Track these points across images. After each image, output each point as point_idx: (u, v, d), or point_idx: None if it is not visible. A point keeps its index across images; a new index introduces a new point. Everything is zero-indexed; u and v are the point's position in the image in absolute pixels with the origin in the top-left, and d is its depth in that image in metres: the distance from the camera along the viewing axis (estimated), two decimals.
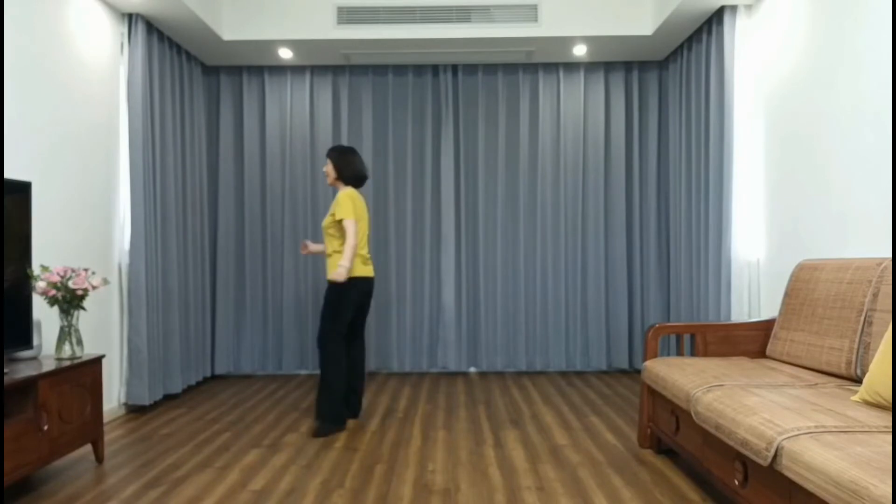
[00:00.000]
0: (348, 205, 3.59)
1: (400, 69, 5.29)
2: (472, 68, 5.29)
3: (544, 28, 4.59)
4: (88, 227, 3.70)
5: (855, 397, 2.18)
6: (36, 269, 3.07)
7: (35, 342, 2.94)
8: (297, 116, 5.28)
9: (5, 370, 2.60)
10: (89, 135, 3.72)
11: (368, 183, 5.26)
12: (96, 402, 3.01)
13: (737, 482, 2.15)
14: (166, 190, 4.36)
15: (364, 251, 3.73)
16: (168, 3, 3.90)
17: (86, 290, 2.89)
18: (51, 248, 3.33)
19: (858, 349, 2.50)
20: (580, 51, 4.93)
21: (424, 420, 3.81)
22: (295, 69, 5.26)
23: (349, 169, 3.76)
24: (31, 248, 2.91)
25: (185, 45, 4.70)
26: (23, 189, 2.80)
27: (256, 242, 5.28)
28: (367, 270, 3.71)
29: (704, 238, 4.29)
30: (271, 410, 4.08)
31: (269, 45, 4.77)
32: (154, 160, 4.19)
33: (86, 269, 2.94)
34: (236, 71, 5.28)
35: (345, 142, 5.27)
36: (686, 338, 3.71)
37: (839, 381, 2.51)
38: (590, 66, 5.25)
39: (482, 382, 4.91)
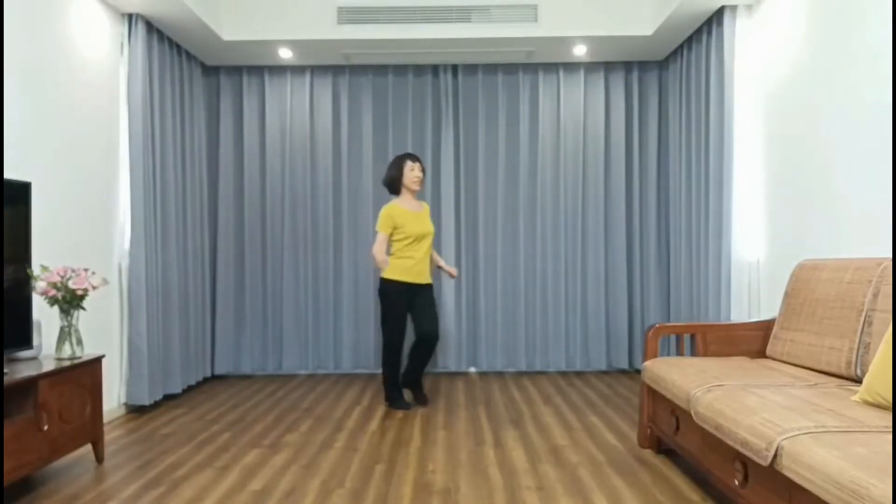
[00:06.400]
0: None
1: (400, 69, 5.29)
2: (472, 68, 5.29)
3: (544, 28, 4.59)
4: (88, 227, 3.70)
5: (855, 397, 2.18)
6: (36, 269, 3.07)
7: (35, 342, 2.94)
8: (297, 116, 5.28)
9: (5, 370, 2.60)
10: (89, 135, 3.72)
11: (369, 183, 5.28)
12: (96, 402, 3.01)
13: (737, 482, 2.15)
14: (166, 190, 4.36)
15: None
16: (168, 3, 3.90)
17: (86, 290, 2.89)
18: (51, 248, 3.33)
19: (858, 349, 2.50)
20: (580, 51, 4.93)
21: (424, 420, 3.81)
22: (295, 69, 5.26)
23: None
24: (31, 248, 2.91)
25: (185, 45, 4.70)
26: (23, 189, 2.80)
27: (256, 242, 5.27)
28: None
29: (704, 238, 4.29)
30: (271, 410, 4.08)
31: (269, 45, 4.77)
32: (154, 160, 4.19)
33: (86, 269, 2.94)
34: (236, 71, 5.28)
35: (344, 142, 5.27)
36: (686, 338, 3.70)
37: (839, 381, 2.51)
38: (590, 67, 5.25)
39: (482, 382, 4.91)
